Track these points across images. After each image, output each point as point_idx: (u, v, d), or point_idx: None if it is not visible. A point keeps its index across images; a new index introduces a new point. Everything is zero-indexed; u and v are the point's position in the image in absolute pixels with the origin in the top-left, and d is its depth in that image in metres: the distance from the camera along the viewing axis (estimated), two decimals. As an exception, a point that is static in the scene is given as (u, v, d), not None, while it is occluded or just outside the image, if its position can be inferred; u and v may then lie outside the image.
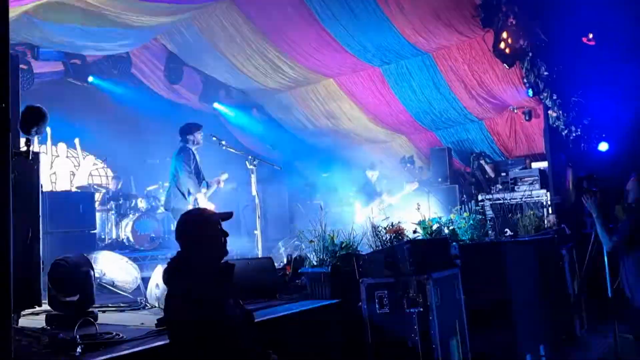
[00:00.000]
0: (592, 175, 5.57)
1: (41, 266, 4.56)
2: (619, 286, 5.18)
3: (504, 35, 8.43)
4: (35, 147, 3.42)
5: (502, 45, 8.46)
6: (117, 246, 9.89)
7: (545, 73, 8.82)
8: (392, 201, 10.00)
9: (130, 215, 10.52)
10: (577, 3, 8.30)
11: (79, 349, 3.29)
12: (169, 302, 2.79)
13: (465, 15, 8.54)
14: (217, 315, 2.68)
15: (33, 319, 4.70)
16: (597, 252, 5.93)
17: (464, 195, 10.38)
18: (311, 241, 5.43)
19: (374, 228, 5.66)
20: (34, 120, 3.22)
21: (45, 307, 4.65)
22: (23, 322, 4.53)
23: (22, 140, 4.56)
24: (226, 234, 2.97)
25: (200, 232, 2.89)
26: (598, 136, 9.21)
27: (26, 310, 4.71)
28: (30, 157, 3.18)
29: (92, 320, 4.03)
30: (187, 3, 8.42)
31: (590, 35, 8.63)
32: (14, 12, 6.40)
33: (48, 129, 10.52)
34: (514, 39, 8.44)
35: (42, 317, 4.55)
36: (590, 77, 8.83)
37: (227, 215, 3.06)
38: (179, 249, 2.97)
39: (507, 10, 8.33)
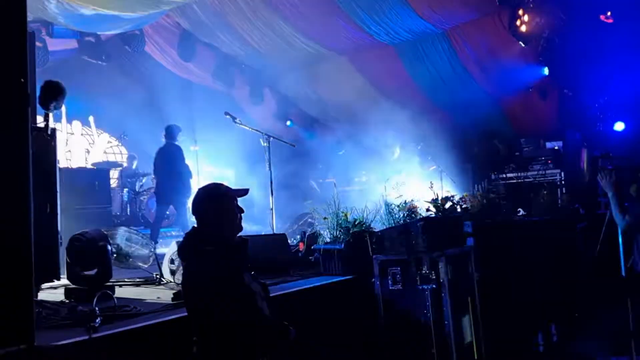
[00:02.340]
0: (608, 154, 5.54)
1: (59, 241, 4.63)
2: (632, 265, 5.17)
3: (521, 12, 8.32)
4: (50, 124, 3.49)
5: (519, 22, 8.35)
6: (132, 223, 9.99)
7: (562, 51, 8.71)
8: (407, 180, 9.98)
9: (145, 193, 10.61)
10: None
11: (97, 321, 3.36)
12: (186, 276, 2.83)
13: (480, -9, 8.43)
14: (235, 288, 2.72)
15: (52, 293, 4.78)
16: (611, 231, 5.91)
17: (477, 174, 10.35)
18: (325, 218, 5.47)
19: (388, 206, 5.68)
20: (52, 95, 3.25)
21: (64, 281, 4.74)
22: (42, 295, 4.62)
23: (39, 118, 4.62)
24: (242, 210, 3.00)
25: (217, 206, 2.92)
26: (614, 115, 9.11)
27: (45, 284, 4.80)
28: (49, 133, 3.22)
29: (110, 293, 4.09)
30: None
31: (609, 14, 8.49)
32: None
33: (62, 107, 10.60)
34: (530, 16, 8.33)
35: (61, 290, 4.63)
36: (607, 56, 8.71)
37: (243, 192, 3.08)
38: (195, 225, 3.00)
39: (523, -13, 8.22)
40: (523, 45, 8.79)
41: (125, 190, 10.80)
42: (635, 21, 8.37)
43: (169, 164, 8.89)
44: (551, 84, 10.07)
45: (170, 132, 9.08)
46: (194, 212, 2.96)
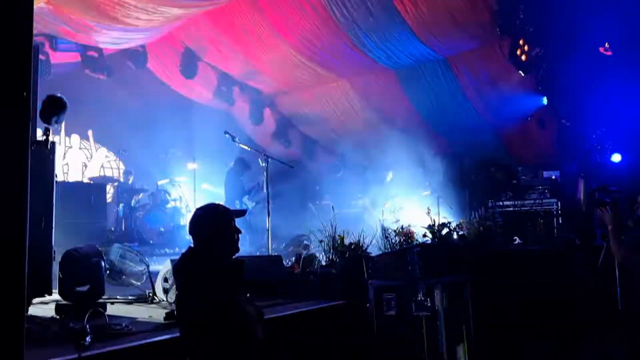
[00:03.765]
0: (606, 186, 5.52)
1: (53, 255, 4.59)
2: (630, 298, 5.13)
3: (521, 42, 8.39)
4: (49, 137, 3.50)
5: (519, 52, 8.43)
6: (127, 239, 9.92)
7: (561, 82, 8.77)
8: (403, 204, 9.98)
9: (140, 209, 10.57)
10: (595, 13, 8.25)
11: (88, 339, 3.31)
12: (181, 297, 2.80)
13: (482, 21, 8.52)
14: (230, 310, 2.68)
15: (43, 308, 4.72)
16: (608, 263, 5.88)
17: (474, 202, 10.34)
18: (321, 241, 5.45)
19: (384, 230, 5.67)
20: (54, 109, 3.24)
21: (55, 296, 4.68)
22: (33, 310, 4.56)
23: (39, 130, 4.61)
24: (239, 231, 2.97)
25: (214, 227, 2.89)
26: (611, 147, 9.14)
27: (36, 299, 4.74)
28: (48, 147, 3.21)
29: (101, 311, 4.04)
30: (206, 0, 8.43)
31: (607, 45, 8.57)
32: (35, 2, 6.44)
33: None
34: (530, 46, 8.40)
35: (52, 306, 4.57)
36: (605, 87, 8.76)
37: (241, 212, 3.06)
38: (191, 244, 2.97)
39: (524, 18, 8.29)
40: (523, 74, 8.86)
41: (121, 205, 10.75)
42: (633, 53, 8.45)
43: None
44: (550, 114, 10.13)
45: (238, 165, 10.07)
46: (191, 232, 2.93)
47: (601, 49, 8.62)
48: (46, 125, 3.24)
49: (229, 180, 10.00)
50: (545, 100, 9.29)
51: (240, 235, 3.00)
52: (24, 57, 2.86)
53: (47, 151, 3.54)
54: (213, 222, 2.90)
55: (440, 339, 4.64)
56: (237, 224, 3.01)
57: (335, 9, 8.76)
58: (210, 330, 2.65)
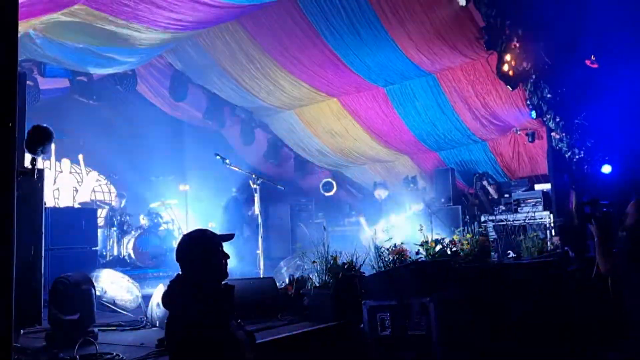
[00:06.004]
0: (596, 200, 5.53)
1: (42, 284, 4.55)
2: (623, 311, 5.12)
3: (508, 57, 8.44)
4: (39, 163, 3.48)
5: (506, 67, 8.47)
6: (119, 263, 9.86)
7: (549, 95, 8.81)
8: (396, 221, 9.97)
9: (132, 232, 10.51)
10: (582, 26, 8.34)
11: (78, 370, 3.27)
12: (170, 325, 2.76)
13: (469, 37, 8.60)
14: (219, 338, 2.65)
15: (33, 337, 4.67)
16: (601, 276, 5.87)
17: (467, 216, 10.35)
18: (314, 262, 5.41)
19: (377, 249, 5.64)
20: (40, 140, 3.23)
21: (46, 325, 4.63)
22: (23, 340, 4.51)
23: (27, 158, 4.59)
24: (227, 256, 2.95)
25: (201, 253, 2.86)
26: (601, 158, 9.18)
27: (26, 329, 4.68)
28: (35, 176, 3.18)
29: (92, 340, 4.00)
30: (195, 29, 8.47)
31: (593, 58, 8.65)
32: (20, 29, 6.45)
33: (52, 145, 10.55)
34: (517, 61, 8.45)
35: (43, 335, 4.52)
36: (594, 99, 8.83)
37: (228, 237, 3.03)
38: (179, 271, 2.94)
39: (510, 33, 8.35)
40: (510, 89, 8.91)
41: (113, 229, 10.69)
42: (621, 65, 8.53)
43: None
44: (539, 127, 10.19)
45: None
46: (178, 259, 2.90)
47: (587, 62, 8.69)
48: (32, 155, 3.22)
49: (230, 207, 10.01)
50: (534, 114, 9.34)
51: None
52: (8, 88, 2.85)
53: (34, 180, 3.51)
54: (199, 249, 2.87)
55: (436, 358, 4.60)
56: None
57: (324, 28, 8.83)
58: (201, 358, 2.62)
